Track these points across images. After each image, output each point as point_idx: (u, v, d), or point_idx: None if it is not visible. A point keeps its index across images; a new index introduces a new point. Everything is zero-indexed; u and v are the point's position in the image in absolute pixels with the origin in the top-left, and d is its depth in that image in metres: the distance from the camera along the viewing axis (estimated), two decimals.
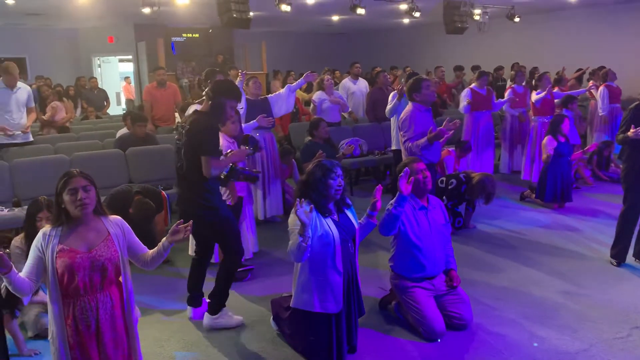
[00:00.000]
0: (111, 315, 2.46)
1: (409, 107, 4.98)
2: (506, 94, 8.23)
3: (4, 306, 3.20)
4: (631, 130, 4.36)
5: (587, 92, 9.08)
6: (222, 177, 3.66)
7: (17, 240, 3.74)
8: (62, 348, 2.39)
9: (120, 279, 2.53)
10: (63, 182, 2.43)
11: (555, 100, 7.85)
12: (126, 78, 15.70)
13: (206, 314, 3.73)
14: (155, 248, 2.64)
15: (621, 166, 4.74)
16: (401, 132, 4.91)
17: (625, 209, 4.64)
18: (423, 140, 4.71)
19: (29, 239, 3.61)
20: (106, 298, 2.46)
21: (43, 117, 8.37)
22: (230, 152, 3.89)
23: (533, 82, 8.22)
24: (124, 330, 2.52)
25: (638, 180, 4.51)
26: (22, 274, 2.37)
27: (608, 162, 8.06)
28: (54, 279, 2.37)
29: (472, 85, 7.87)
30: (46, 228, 2.44)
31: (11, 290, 2.37)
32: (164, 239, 2.64)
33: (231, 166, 3.67)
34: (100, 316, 2.43)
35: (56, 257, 2.36)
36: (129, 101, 15.10)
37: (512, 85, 8.40)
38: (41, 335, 3.60)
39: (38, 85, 10.34)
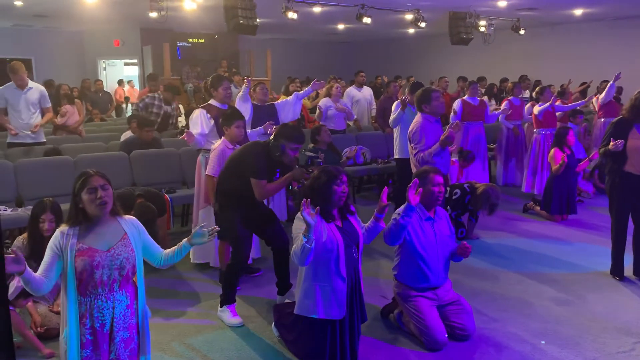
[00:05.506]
0: (125, 315, 2.48)
1: (418, 118, 4.97)
2: (502, 106, 8.18)
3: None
4: (611, 143, 4.39)
5: (590, 103, 9.08)
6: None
7: (19, 240, 3.73)
8: (74, 347, 2.38)
9: (135, 278, 2.56)
10: (81, 182, 2.44)
11: (557, 113, 7.84)
12: (129, 82, 15.72)
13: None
14: (175, 247, 2.67)
15: (606, 179, 4.76)
16: (412, 144, 4.93)
17: (613, 223, 4.66)
18: (435, 146, 4.75)
19: (32, 239, 3.62)
20: (122, 297, 2.48)
21: (55, 120, 8.29)
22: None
23: (534, 94, 8.22)
24: (136, 329, 2.54)
25: (621, 193, 4.53)
26: (39, 272, 2.36)
27: None
28: (72, 277, 2.38)
29: (466, 96, 7.89)
30: (63, 227, 2.44)
31: (28, 290, 2.37)
32: (185, 239, 2.66)
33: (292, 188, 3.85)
34: (115, 315, 2.45)
35: (75, 255, 2.37)
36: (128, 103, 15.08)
37: (509, 98, 8.32)
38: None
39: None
